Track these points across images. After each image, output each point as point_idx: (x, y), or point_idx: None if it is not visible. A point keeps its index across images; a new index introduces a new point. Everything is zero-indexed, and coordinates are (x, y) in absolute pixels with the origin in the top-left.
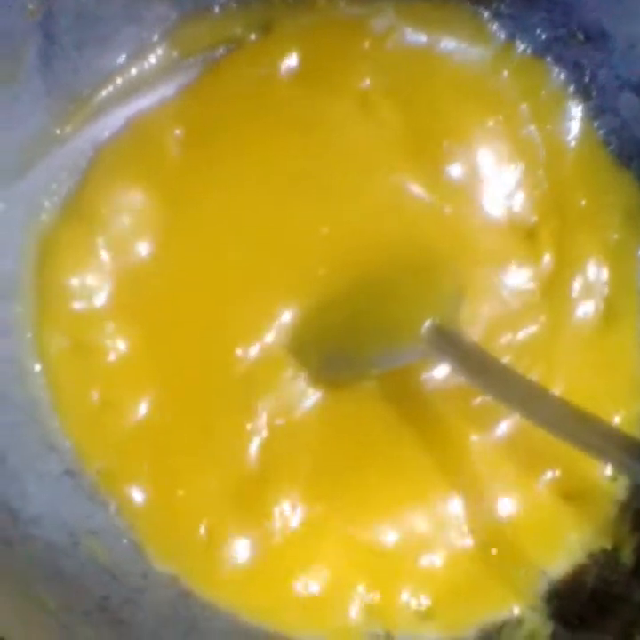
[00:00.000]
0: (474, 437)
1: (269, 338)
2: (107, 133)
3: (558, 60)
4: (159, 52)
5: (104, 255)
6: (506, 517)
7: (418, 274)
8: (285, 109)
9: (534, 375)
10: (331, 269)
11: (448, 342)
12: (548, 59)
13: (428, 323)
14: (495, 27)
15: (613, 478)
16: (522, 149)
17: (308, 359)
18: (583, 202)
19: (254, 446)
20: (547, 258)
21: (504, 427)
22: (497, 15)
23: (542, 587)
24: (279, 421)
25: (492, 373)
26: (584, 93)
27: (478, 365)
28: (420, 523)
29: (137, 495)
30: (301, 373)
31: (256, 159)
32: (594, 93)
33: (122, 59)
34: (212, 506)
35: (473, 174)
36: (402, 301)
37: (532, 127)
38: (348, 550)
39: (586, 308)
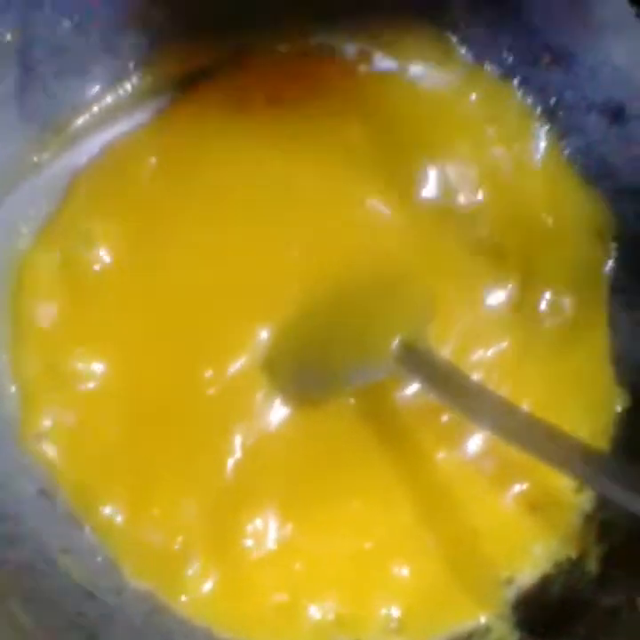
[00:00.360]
0: (443, 452)
1: (242, 358)
2: (83, 160)
3: (525, 83)
4: (134, 79)
5: (77, 281)
6: (473, 528)
7: (387, 291)
8: (256, 134)
9: (503, 390)
10: (302, 289)
11: (417, 359)
12: (515, 81)
13: (397, 339)
14: (463, 50)
15: (579, 490)
16: (489, 171)
17: (280, 377)
18: (550, 220)
19: (229, 466)
20: (515, 276)
21: (472, 441)
22: (464, 39)
23: (509, 595)
24: (253, 441)
25: (460, 389)
26: (550, 114)
27: (447, 381)
28: (389, 536)
29: (112, 514)
30: (275, 392)
31: (227, 183)
32: (560, 114)
33: (98, 87)
34: (186, 524)
35: (442, 195)
36: (371, 318)
37: (499, 149)
38: (319, 565)
39: (553, 324)
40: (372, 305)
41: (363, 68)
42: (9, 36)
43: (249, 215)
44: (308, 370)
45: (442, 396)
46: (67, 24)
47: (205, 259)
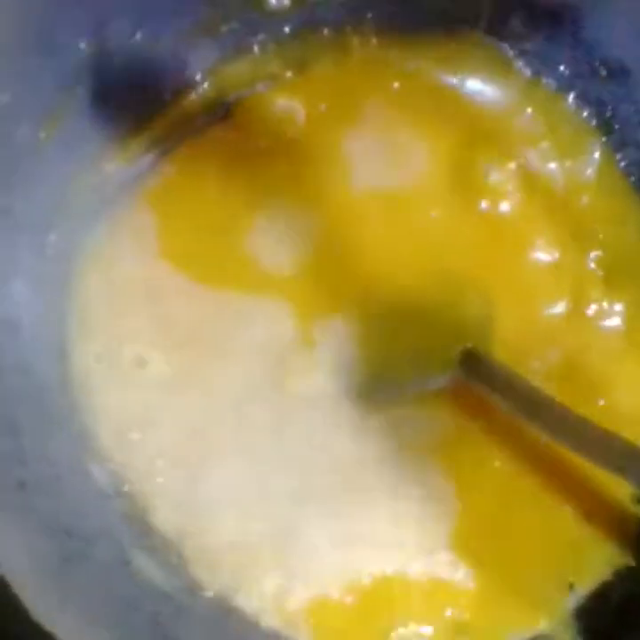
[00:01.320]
0: (501, 458)
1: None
2: (150, 172)
3: (581, 96)
4: (201, 90)
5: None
6: (533, 535)
7: (450, 300)
8: (315, 144)
9: (565, 397)
10: (364, 299)
11: (479, 367)
12: (571, 94)
13: (460, 347)
14: (520, 64)
15: (638, 496)
16: (543, 186)
17: (346, 385)
18: (601, 235)
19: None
20: (569, 287)
21: (531, 447)
22: (522, 53)
23: (570, 603)
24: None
25: (523, 395)
26: (606, 127)
27: (509, 388)
28: (451, 542)
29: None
30: (341, 400)
31: (286, 191)
32: (616, 127)
33: (167, 97)
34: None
35: (500, 209)
36: (434, 327)
37: (553, 164)
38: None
39: (609, 329)
40: (436, 314)
41: (421, 81)
42: (83, 46)
43: (306, 222)
44: (370, 377)
45: (505, 402)
46: (138, 36)
47: (267, 265)
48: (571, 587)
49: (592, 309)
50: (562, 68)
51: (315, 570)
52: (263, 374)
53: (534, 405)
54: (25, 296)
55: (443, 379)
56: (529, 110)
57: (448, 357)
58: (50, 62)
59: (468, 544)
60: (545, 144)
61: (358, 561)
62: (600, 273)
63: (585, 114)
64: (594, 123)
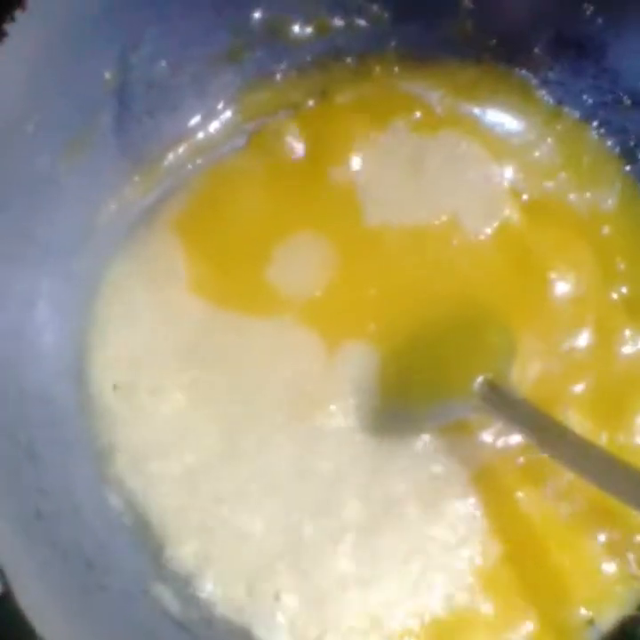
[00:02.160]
0: (524, 491)
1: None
2: (172, 199)
3: (604, 125)
4: (224, 117)
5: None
6: (556, 568)
7: (471, 330)
8: (336, 173)
9: (585, 430)
10: (385, 328)
11: (500, 398)
12: (594, 123)
13: (480, 378)
14: (543, 93)
15: None
16: (563, 217)
17: (365, 414)
18: (623, 265)
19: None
20: (591, 318)
21: (555, 482)
22: (545, 82)
23: (591, 637)
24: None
25: (543, 428)
26: (629, 156)
27: (529, 420)
28: (474, 573)
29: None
30: (359, 427)
31: (308, 219)
32: (639, 156)
33: (190, 123)
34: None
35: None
36: (455, 357)
37: (573, 195)
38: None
39: (633, 357)
40: (455, 344)
41: (443, 111)
42: (108, 75)
43: (324, 248)
44: (388, 407)
45: (525, 435)
46: (163, 63)
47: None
48: (592, 621)
49: (615, 339)
50: (585, 96)
51: (336, 604)
52: (283, 405)
53: (556, 439)
54: (47, 322)
55: (462, 409)
56: (550, 140)
57: (468, 387)
58: (73, 92)
59: (491, 576)
60: (564, 175)
61: (380, 595)
62: (622, 303)
63: (608, 143)
64: (617, 151)
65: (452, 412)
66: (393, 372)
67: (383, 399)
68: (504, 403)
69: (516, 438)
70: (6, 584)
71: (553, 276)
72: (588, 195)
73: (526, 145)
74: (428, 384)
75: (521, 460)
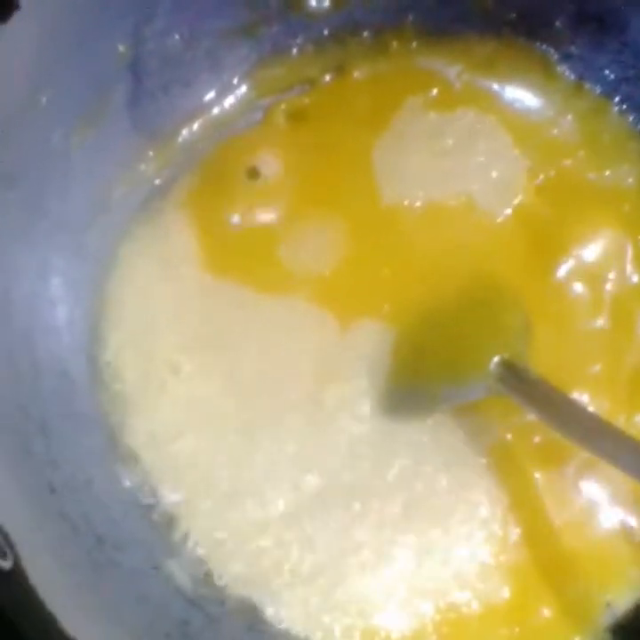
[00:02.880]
0: (539, 473)
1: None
2: (187, 174)
3: (626, 100)
4: (239, 92)
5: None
6: (570, 551)
7: (486, 310)
8: (351, 151)
9: (601, 411)
10: (400, 306)
11: (516, 378)
12: (616, 99)
13: (496, 358)
14: (564, 68)
15: None
16: (582, 194)
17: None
18: None
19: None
20: (608, 299)
21: (571, 463)
22: (566, 57)
23: (607, 620)
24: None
25: (560, 409)
26: None
27: (546, 401)
28: (492, 557)
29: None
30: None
31: (322, 198)
32: None
33: (204, 99)
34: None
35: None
36: (470, 337)
37: (592, 174)
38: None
39: None
40: (471, 324)
41: (461, 86)
42: (122, 48)
43: (348, 232)
44: (404, 387)
45: (541, 415)
46: (176, 37)
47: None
48: (608, 604)
49: (633, 320)
50: (607, 71)
51: (348, 585)
52: (297, 383)
53: (572, 419)
54: (61, 296)
55: (478, 389)
56: (569, 117)
57: (484, 368)
58: (88, 64)
59: (508, 558)
60: (583, 153)
61: (392, 576)
62: None
63: (630, 119)
64: (639, 128)
65: (468, 392)
66: (407, 351)
67: (397, 379)
68: (520, 383)
69: (530, 418)
70: (16, 557)
71: (571, 256)
72: (607, 173)
73: (546, 122)
74: (443, 364)
75: (536, 440)
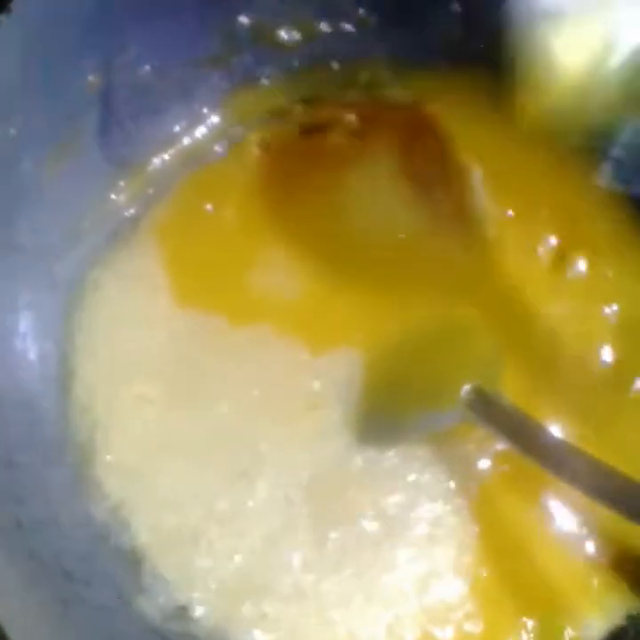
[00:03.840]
0: (510, 500)
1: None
2: (158, 204)
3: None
4: (209, 122)
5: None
6: (545, 578)
7: (458, 336)
8: (324, 178)
9: (576, 439)
10: (371, 334)
11: (487, 406)
12: None
13: (467, 386)
14: None
15: None
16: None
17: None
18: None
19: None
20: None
21: (542, 490)
22: None
23: None
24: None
25: (531, 437)
26: None
27: (517, 429)
28: (458, 588)
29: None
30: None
31: (296, 226)
32: None
33: (175, 128)
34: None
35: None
36: (441, 365)
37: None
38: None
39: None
40: (443, 351)
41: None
42: (92, 78)
43: (323, 259)
44: (374, 415)
45: (513, 444)
46: (147, 67)
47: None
48: (582, 633)
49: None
50: None
51: (328, 620)
52: (269, 410)
53: (544, 448)
54: (31, 328)
55: (449, 417)
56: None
57: (455, 396)
58: (57, 94)
59: (480, 588)
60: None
61: (365, 608)
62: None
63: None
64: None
65: (439, 420)
66: (378, 379)
67: (368, 407)
68: (492, 411)
69: (502, 446)
70: None
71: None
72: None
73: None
74: (414, 393)
75: (510, 468)
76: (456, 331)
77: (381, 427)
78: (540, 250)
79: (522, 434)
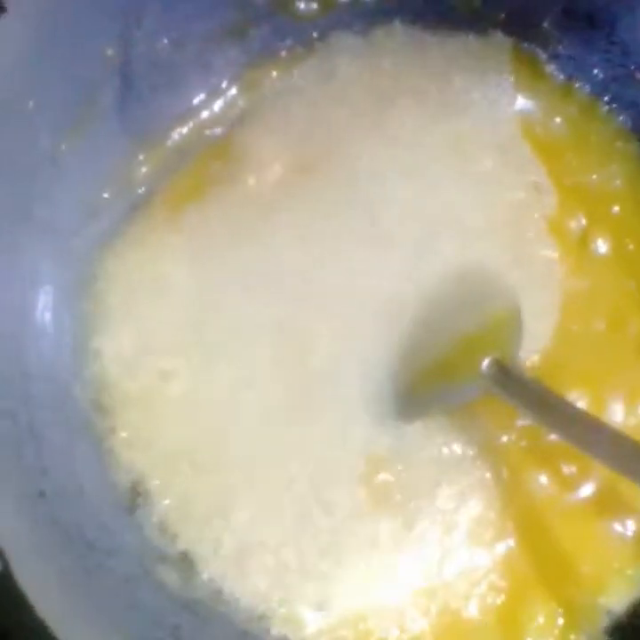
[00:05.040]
0: (535, 475)
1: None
2: (174, 177)
3: (615, 100)
4: (228, 94)
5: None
6: (566, 553)
7: (477, 308)
8: (340, 154)
9: (593, 408)
10: (386, 311)
11: (508, 378)
12: (605, 98)
13: (487, 359)
14: (553, 68)
15: None
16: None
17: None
18: (631, 246)
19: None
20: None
21: (567, 465)
22: (554, 56)
23: (604, 621)
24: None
25: (552, 408)
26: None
27: (538, 401)
28: (482, 559)
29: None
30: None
31: (313, 200)
32: None
33: (194, 101)
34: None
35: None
36: (461, 338)
37: (580, 176)
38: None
39: None
40: (462, 324)
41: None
42: (110, 51)
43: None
44: (398, 391)
45: (535, 417)
46: (165, 40)
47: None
48: (605, 605)
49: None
50: (596, 71)
51: (350, 593)
52: (289, 393)
53: (565, 419)
54: (50, 301)
55: (470, 391)
56: (558, 120)
57: (475, 369)
58: (75, 68)
59: (504, 561)
60: (570, 154)
61: (389, 572)
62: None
63: (619, 118)
64: (628, 126)
65: (460, 394)
66: (401, 355)
67: (391, 383)
68: (512, 383)
69: (524, 423)
70: (5, 563)
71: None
72: (594, 176)
73: (535, 123)
74: (434, 367)
75: (532, 443)
76: (475, 300)
77: (403, 401)
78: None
79: (544, 406)
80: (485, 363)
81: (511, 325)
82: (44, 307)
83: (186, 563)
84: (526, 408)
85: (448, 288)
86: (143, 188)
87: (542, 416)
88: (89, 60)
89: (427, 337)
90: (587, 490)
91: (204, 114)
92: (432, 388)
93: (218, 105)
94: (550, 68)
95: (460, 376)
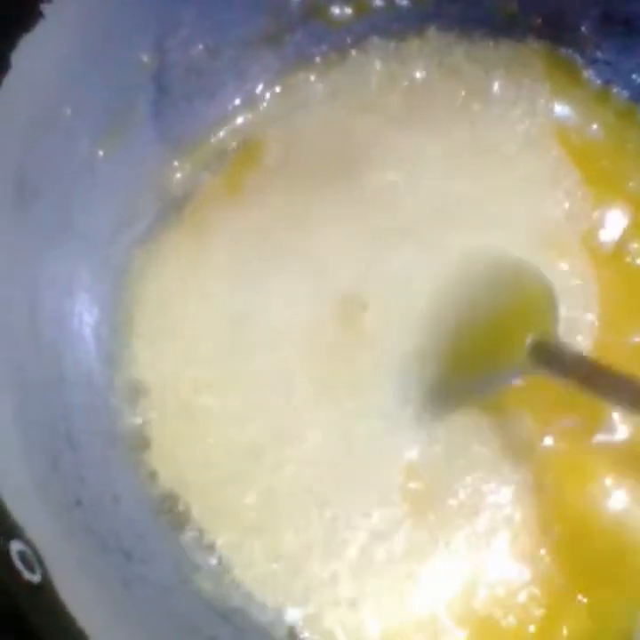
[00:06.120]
0: (573, 476)
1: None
2: (212, 184)
3: None
4: (263, 101)
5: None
6: (604, 559)
7: (512, 290)
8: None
9: None
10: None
11: (552, 356)
12: None
13: (529, 339)
14: (590, 73)
15: None
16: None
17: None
18: None
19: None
20: None
21: (605, 466)
22: (592, 61)
23: None
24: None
25: (600, 378)
26: None
27: (586, 373)
28: (522, 570)
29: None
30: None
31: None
32: None
33: (229, 107)
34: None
35: None
36: (500, 323)
37: (617, 182)
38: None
39: None
40: (498, 307)
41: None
42: (146, 58)
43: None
44: (438, 382)
45: (584, 388)
46: (200, 47)
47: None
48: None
49: None
50: (634, 76)
51: (386, 606)
52: (325, 392)
53: (616, 387)
54: (87, 309)
55: (513, 375)
56: (595, 126)
57: (518, 352)
58: (112, 75)
59: (544, 570)
60: (606, 161)
61: (429, 570)
62: None
63: None
64: None
65: (504, 378)
66: (440, 345)
67: (430, 372)
68: (556, 359)
69: (566, 424)
70: (45, 572)
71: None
72: (631, 183)
73: (571, 129)
74: (476, 353)
75: (569, 445)
76: (509, 282)
77: (443, 390)
78: None
79: (594, 377)
80: (528, 341)
81: (548, 302)
82: (81, 315)
83: (222, 572)
84: (576, 381)
85: (478, 275)
86: (178, 195)
87: (594, 387)
88: (125, 66)
89: (461, 324)
90: (625, 494)
91: (239, 120)
92: (471, 374)
93: (252, 111)
94: (587, 74)
95: (503, 359)
